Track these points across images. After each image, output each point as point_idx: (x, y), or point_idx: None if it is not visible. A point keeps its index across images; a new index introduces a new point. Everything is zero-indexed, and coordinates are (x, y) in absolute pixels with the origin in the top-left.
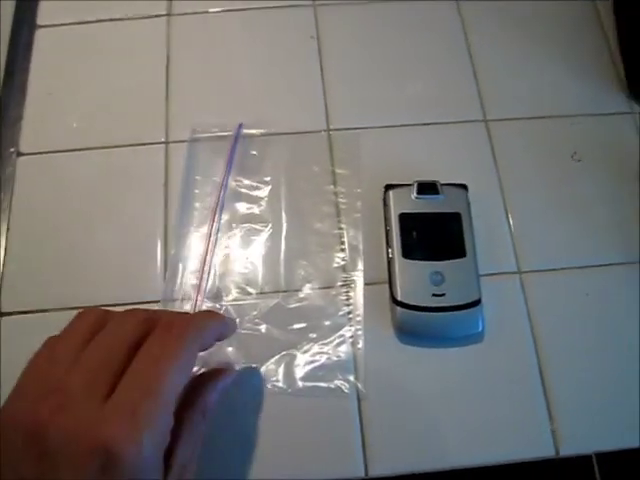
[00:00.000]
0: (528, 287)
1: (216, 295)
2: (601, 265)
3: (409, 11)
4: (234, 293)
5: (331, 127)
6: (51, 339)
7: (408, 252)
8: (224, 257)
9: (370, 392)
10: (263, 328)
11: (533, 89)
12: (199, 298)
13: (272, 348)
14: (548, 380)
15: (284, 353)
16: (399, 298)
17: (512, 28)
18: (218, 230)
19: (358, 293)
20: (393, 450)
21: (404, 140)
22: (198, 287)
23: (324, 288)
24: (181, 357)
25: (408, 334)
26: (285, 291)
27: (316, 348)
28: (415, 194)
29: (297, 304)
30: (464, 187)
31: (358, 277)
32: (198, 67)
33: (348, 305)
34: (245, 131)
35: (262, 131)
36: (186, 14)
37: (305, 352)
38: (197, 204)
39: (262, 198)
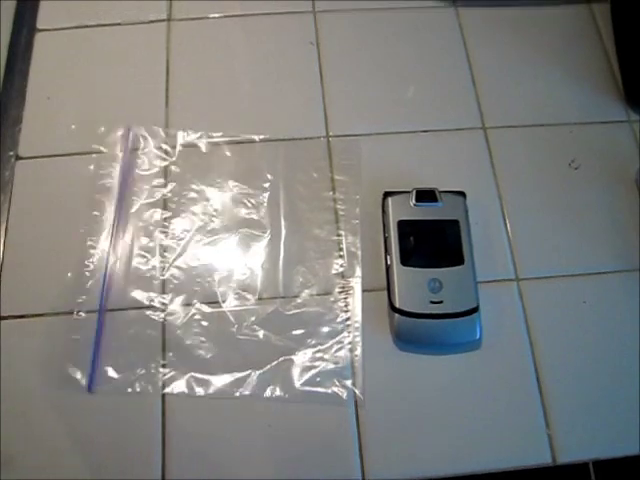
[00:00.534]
0: (526, 294)
1: (214, 301)
2: (599, 273)
3: (408, 19)
4: (232, 299)
5: (330, 133)
6: None
7: (406, 259)
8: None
9: (367, 398)
10: (261, 334)
11: (531, 97)
12: None
13: (270, 354)
14: (545, 387)
15: (282, 359)
16: (397, 305)
17: (510, 37)
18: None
19: (356, 300)
20: (390, 456)
21: (403, 147)
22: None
23: (322, 294)
24: None
25: (406, 341)
26: (283, 297)
27: (314, 354)
28: (414, 201)
29: (295, 310)
30: (462, 194)
31: (356, 284)
32: (198, 72)
33: (346, 312)
34: (244, 137)
35: (261, 137)
36: (186, 19)
37: (303, 358)
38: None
39: (261, 204)
